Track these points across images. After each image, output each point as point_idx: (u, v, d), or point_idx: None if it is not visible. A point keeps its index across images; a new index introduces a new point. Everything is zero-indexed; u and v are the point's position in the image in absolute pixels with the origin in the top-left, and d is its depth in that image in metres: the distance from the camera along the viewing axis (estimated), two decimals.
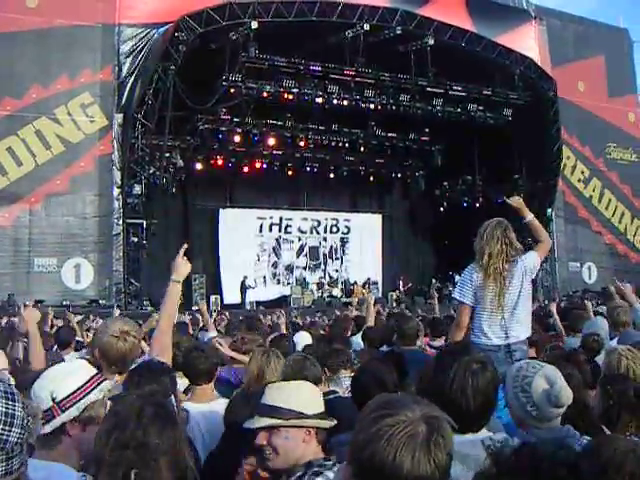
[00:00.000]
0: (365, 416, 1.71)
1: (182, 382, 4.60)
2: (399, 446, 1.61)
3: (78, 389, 2.63)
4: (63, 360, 6.37)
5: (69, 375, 2.69)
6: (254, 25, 21.47)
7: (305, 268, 31.00)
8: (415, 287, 30.64)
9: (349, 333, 8.48)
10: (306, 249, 31.19)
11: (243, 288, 26.97)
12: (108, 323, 3.92)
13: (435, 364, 2.63)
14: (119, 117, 22.85)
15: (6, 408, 1.80)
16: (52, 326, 10.17)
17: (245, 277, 27.40)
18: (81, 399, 2.62)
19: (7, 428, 1.79)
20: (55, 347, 8.40)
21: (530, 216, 5.20)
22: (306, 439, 2.80)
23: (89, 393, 2.65)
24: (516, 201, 5.28)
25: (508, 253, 4.77)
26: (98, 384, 2.71)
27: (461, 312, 5.00)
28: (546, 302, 15.23)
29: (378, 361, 4.18)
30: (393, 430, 1.62)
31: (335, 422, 2.87)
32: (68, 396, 2.60)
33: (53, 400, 2.58)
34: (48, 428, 2.56)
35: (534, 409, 2.94)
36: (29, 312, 4.73)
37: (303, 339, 6.76)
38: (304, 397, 2.88)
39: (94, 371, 2.80)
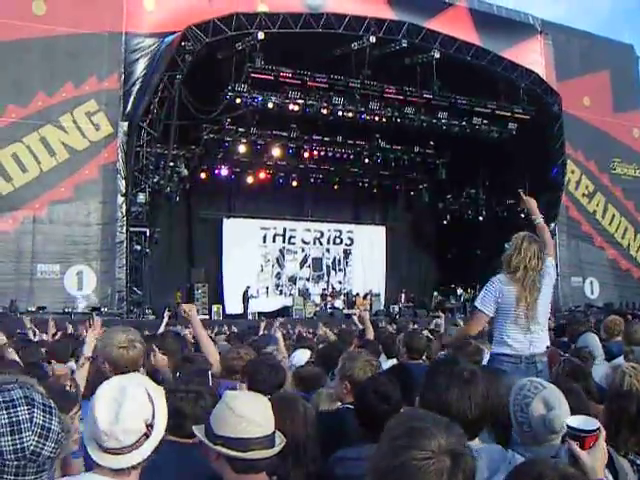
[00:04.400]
0: (389, 442, 1.70)
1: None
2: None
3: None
4: None
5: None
6: (260, 36, 21.55)
7: (308, 279, 30.96)
8: (417, 299, 30.56)
9: (352, 347, 8.29)
10: (309, 260, 31.17)
11: (246, 298, 26.92)
12: (111, 335, 3.90)
13: (428, 375, 2.61)
14: (124, 125, 22.85)
15: (43, 421, 1.78)
16: (54, 334, 10.16)
17: (248, 287, 27.34)
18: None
19: (42, 441, 1.77)
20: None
21: (540, 219, 5.45)
22: (213, 459, 2.42)
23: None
24: (530, 201, 5.57)
25: (541, 267, 4.86)
26: None
27: (476, 318, 5.00)
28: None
29: (383, 375, 4.08)
30: (421, 464, 1.62)
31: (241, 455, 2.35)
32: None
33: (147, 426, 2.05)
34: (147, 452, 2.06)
35: (530, 430, 2.91)
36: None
37: (301, 358, 6.33)
38: (220, 414, 2.43)
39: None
